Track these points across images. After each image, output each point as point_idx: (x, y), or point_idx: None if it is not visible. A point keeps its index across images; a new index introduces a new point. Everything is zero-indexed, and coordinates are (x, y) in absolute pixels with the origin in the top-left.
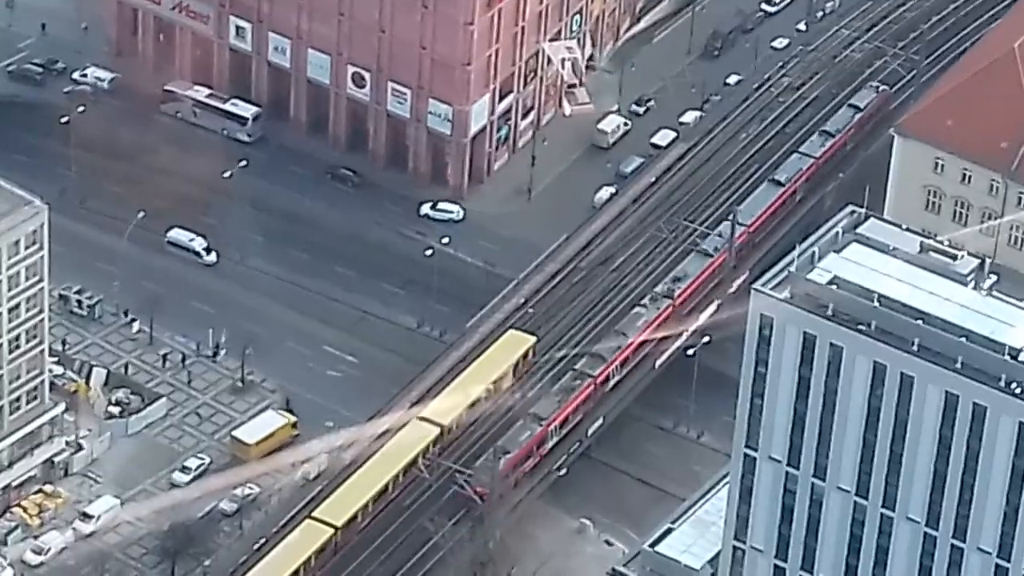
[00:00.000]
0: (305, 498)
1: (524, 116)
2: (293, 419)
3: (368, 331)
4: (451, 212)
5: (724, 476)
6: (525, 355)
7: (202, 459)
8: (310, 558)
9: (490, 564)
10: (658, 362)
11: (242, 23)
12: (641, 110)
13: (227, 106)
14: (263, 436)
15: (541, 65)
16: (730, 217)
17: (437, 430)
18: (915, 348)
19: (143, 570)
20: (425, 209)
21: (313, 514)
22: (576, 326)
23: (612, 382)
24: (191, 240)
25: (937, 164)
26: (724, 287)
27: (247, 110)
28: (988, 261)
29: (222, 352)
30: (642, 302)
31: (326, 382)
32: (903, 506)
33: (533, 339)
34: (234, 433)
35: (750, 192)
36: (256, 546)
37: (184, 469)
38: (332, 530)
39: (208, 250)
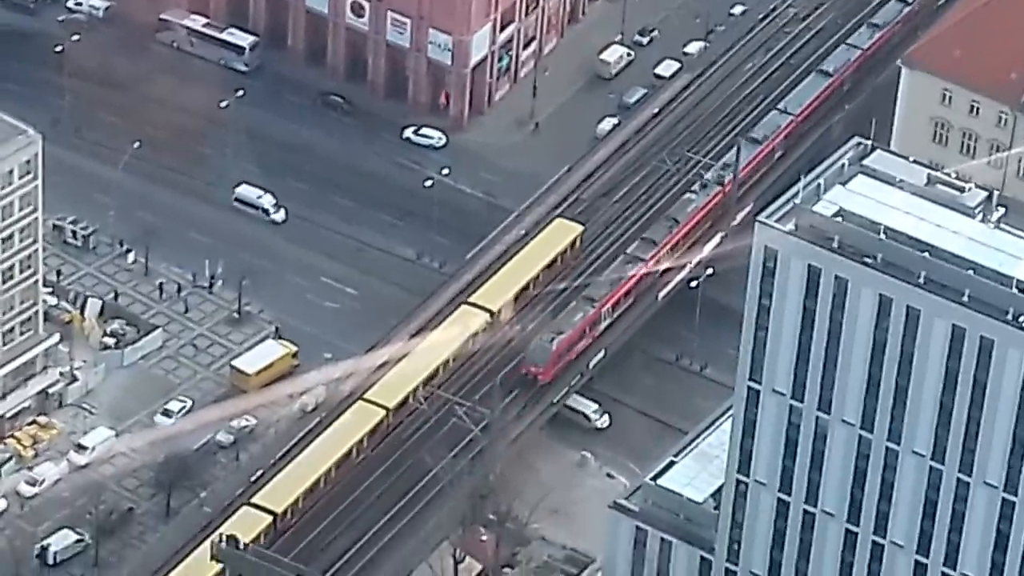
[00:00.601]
0: (302, 430)
1: (525, 46)
2: (293, 349)
3: (367, 263)
4: (432, 138)
5: (727, 409)
6: (572, 244)
7: (184, 401)
8: (363, 439)
9: (491, 496)
10: (661, 294)
11: None
12: (644, 40)
13: (224, 35)
14: (263, 366)
15: None
16: (779, 107)
17: (487, 316)
18: (921, 281)
19: (138, 502)
20: (408, 133)
21: (366, 396)
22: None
23: (663, 266)
24: (259, 197)
25: (945, 96)
26: (728, 218)
27: (244, 39)
28: (996, 193)
29: (218, 283)
30: (692, 188)
31: (324, 314)
32: (908, 440)
33: (581, 228)
34: (233, 363)
35: (756, 122)
36: (253, 478)
37: (166, 412)
38: (383, 411)
39: (277, 207)
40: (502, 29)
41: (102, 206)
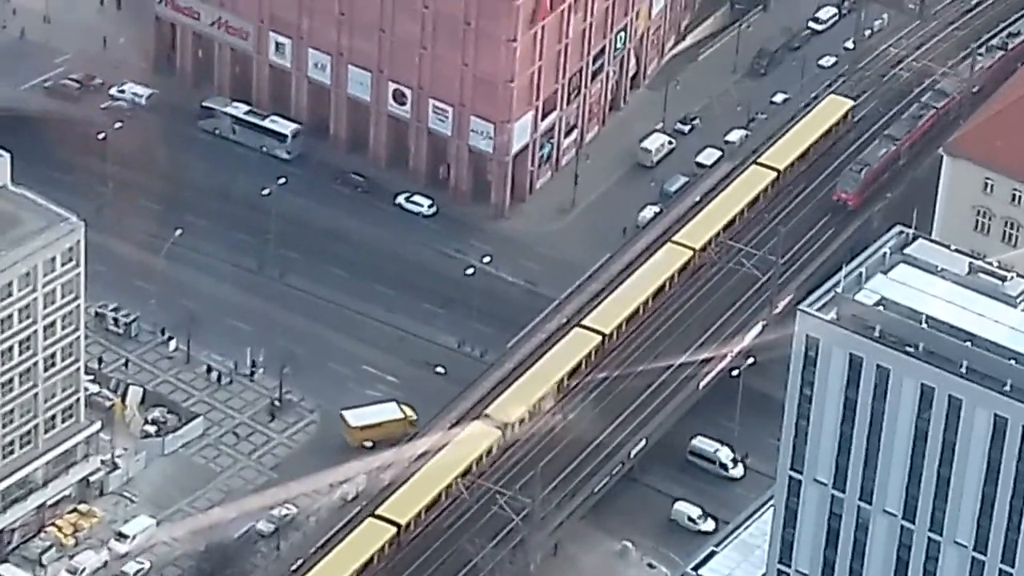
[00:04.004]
0: (343, 519)
1: (567, 134)
2: (412, 416)
3: (408, 351)
4: (422, 205)
5: (769, 499)
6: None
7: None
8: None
9: None
10: (702, 383)
11: (282, 39)
12: (686, 128)
13: (266, 123)
14: (368, 423)
15: (584, 83)
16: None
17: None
18: (963, 370)
19: None
20: (399, 200)
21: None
22: None
23: (952, 116)
24: (715, 451)
25: (987, 184)
26: (769, 308)
27: (286, 127)
28: None
29: (259, 371)
30: (978, 50)
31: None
32: (951, 530)
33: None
34: (343, 411)
35: (798, 212)
36: (293, 568)
37: (120, 536)
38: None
39: (735, 461)
40: (544, 117)
41: (144, 293)
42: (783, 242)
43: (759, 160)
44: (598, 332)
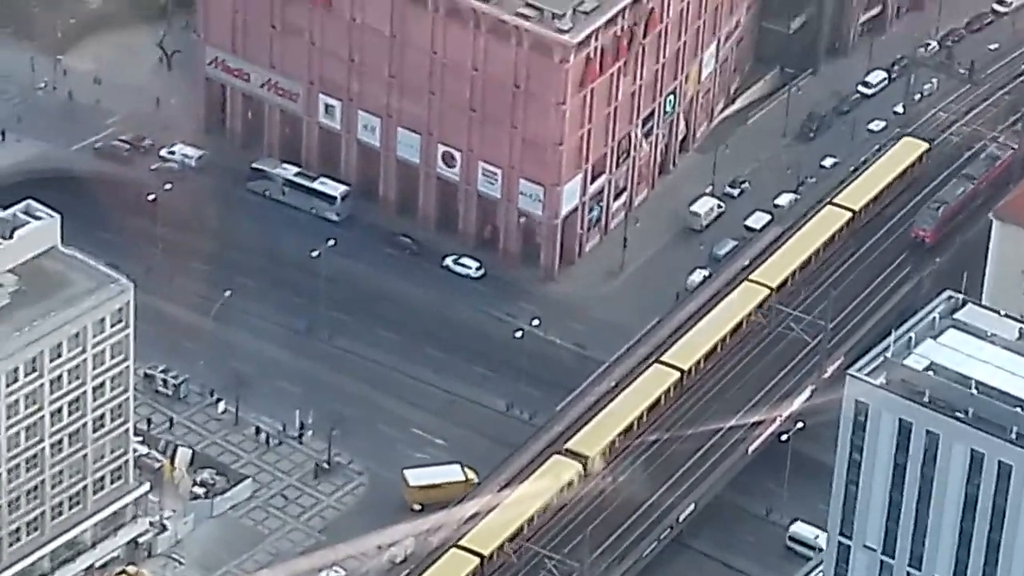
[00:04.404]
0: None
1: (616, 197)
2: (475, 479)
3: (457, 413)
4: (470, 268)
5: (818, 564)
6: (667, 392)
7: None
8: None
9: None
10: (751, 448)
11: (331, 101)
12: (735, 192)
13: (316, 184)
14: (428, 483)
15: (634, 146)
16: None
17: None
18: (1013, 436)
19: None
20: (447, 262)
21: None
22: None
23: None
24: (816, 537)
25: None
26: (818, 372)
27: (336, 189)
28: None
29: (308, 433)
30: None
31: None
32: None
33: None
34: (404, 470)
35: (845, 277)
36: None
37: None
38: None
39: None
40: (593, 180)
41: (193, 355)
42: (832, 306)
43: (834, 201)
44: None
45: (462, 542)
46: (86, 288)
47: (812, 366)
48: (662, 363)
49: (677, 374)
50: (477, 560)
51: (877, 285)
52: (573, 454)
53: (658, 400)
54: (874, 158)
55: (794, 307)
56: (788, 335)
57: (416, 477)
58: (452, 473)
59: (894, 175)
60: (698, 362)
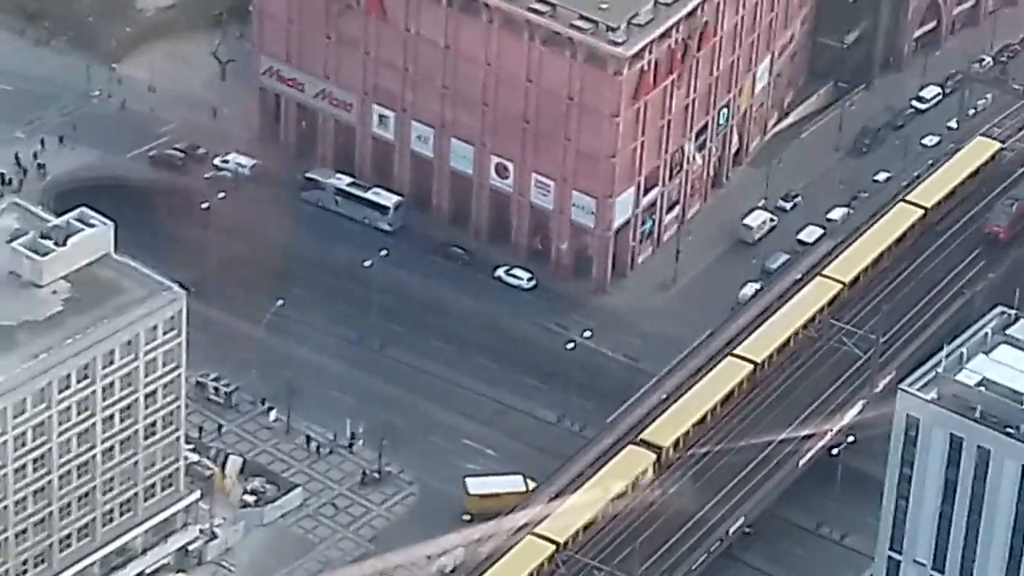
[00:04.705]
0: None
1: (669, 210)
2: (531, 487)
3: (508, 424)
4: (521, 279)
5: None
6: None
7: None
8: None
9: None
10: (802, 461)
11: (385, 111)
12: (788, 206)
13: (368, 195)
14: (486, 492)
15: (687, 159)
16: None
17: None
18: None
19: None
20: (499, 273)
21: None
22: None
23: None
24: None
25: None
26: (870, 386)
27: (388, 199)
28: None
29: (359, 442)
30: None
31: (464, 475)
32: None
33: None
34: (466, 477)
35: (898, 292)
36: None
37: None
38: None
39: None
40: (646, 193)
41: (245, 363)
42: (884, 320)
43: (907, 199)
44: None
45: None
46: (139, 296)
47: (864, 380)
48: (735, 356)
49: (750, 367)
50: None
51: (936, 294)
52: (648, 444)
53: (731, 392)
54: (946, 157)
55: (867, 303)
56: (840, 348)
57: (477, 486)
58: (514, 484)
59: (967, 173)
60: (771, 355)
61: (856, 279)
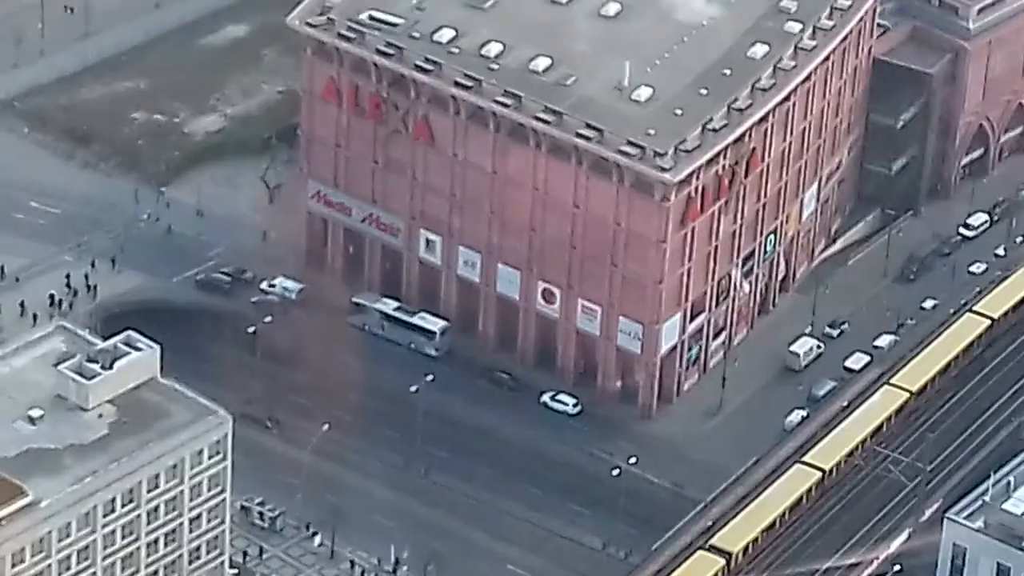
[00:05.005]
0: None
1: (715, 336)
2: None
3: (552, 551)
4: (567, 404)
5: None
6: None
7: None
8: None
9: None
10: None
11: (432, 236)
12: (835, 333)
13: (415, 319)
14: None
15: (734, 286)
16: None
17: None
18: None
19: None
20: (545, 398)
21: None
22: None
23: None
24: None
25: None
26: (916, 514)
27: (435, 324)
28: None
29: (403, 568)
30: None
31: None
32: None
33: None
34: None
35: (944, 420)
36: None
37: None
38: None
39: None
40: (692, 319)
41: (290, 488)
42: (930, 449)
43: (974, 309)
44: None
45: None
46: (185, 420)
47: (910, 508)
48: (803, 463)
49: (819, 474)
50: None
51: (982, 423)
52: (717, 550)
53: (800, 499)
54: (1014, 269)
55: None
56: (886, 476)
57: None
58: None
59: (1011, 303)
60: (839, 462)
61: (924, 388)
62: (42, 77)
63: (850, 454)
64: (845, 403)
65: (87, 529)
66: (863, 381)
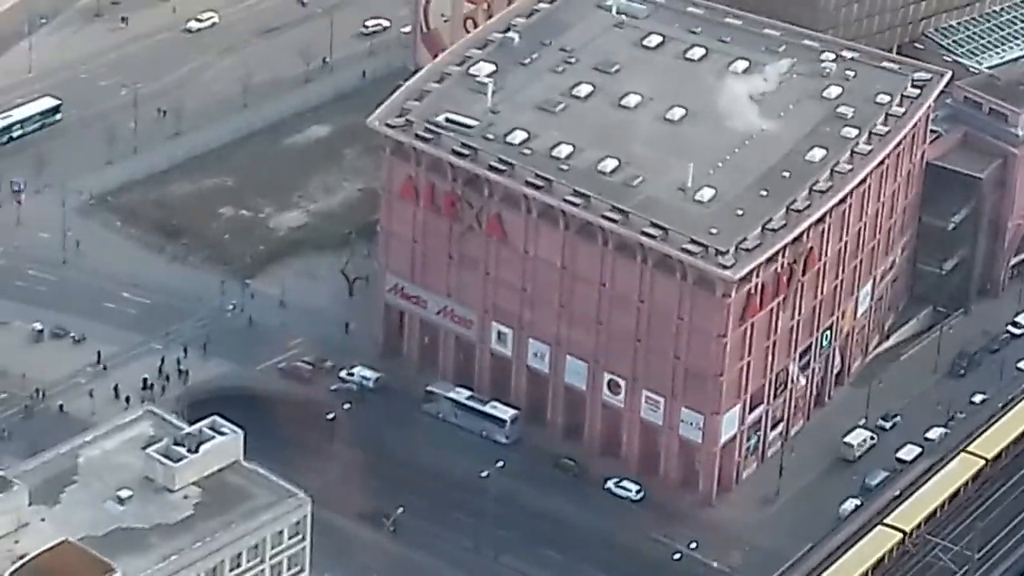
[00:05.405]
0: None
1: (773, 427)
2: None
3: None
4: (630, 490)
5: None
6: None
7: None
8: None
9: None
10: None
11: (504, 328)
12: (887, 425)
13: (486, 408)
14: None
15: (791, 379)
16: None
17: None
18: None
19: None
20: (609, 484)
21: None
22: None
23: None
24: None
25: None
26: None
27: (505, 412)
28: None
29: None
30: None
31: None
32: None
33: None
34: None
35: (994, 509)
36: None
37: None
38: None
39: None
40: (751, 410)
41: (365, 568)
42: (979, 537)
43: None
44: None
45: None
46: (266, 501)
47: None
48: (885, 525)
49: (899, 535)
50: None
51: None
52: None
53: (881, 560)
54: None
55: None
56: (937, 564)
57: None
58: None
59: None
60: (919, 524)
61: (999, 455)
62: (135, 174)
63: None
64: (897, 492)
65: None
66: (913, 473)
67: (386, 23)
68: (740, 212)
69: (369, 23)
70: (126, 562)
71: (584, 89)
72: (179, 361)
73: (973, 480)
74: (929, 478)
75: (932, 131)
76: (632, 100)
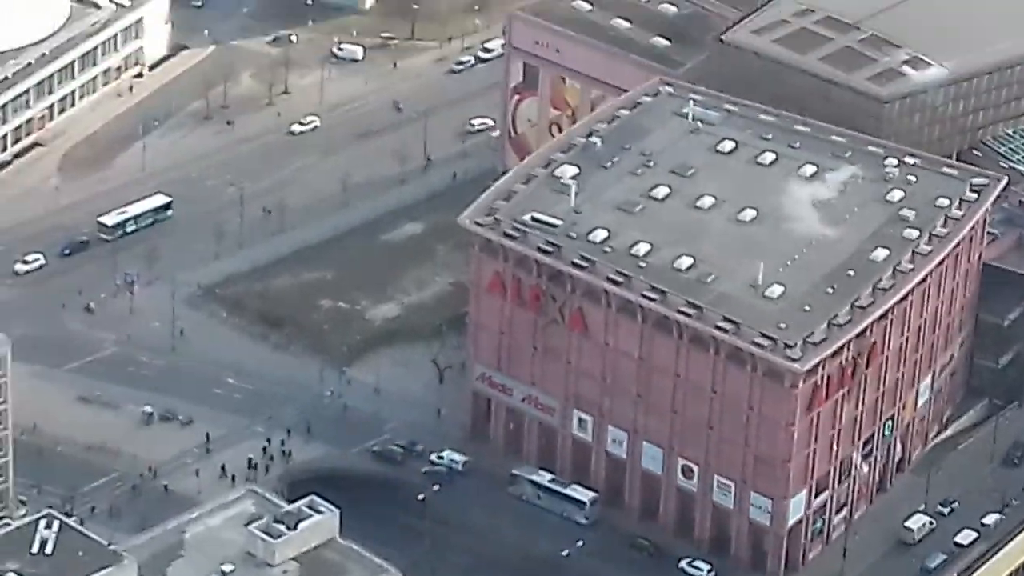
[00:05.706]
0: None
1: (837, 511)
2: None
3: None
4: (702, 570)
5: None
6: None
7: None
8: None
9: None
10: None
11: (584, 415)
12: (946, 511)
13: (567, 490)
14: None
15: (854, 466)
16: None
17: None
18: None
19: None
20: (682, 564)
21: None
22: None
23: None
24: None
25: None
26: None
27: (585, 495)
28: None
29: None
30: None
31: None
32: None
33: None
34: None
35: None
36: None
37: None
38: None
39: None
40: (817, 495)
41: None
42: None
43: None
44: None
45: None
46: None
47: None
48: None
49: None
50: None
51: None
52: None
53: None
54: None
55: None
56: None
57: None
58: None
59: None
60: None
61: None
62: (240, 267)
63: None
64: (955, 575)
65: None
66: (970, 555)
67: (490, 121)
68: (807, 308)
69: (475, 121)
70: None
71: (661, 191)
72: (283, 443)
73: None
74: (985, 561)
75: (989, 233)
76: (706, 202)
